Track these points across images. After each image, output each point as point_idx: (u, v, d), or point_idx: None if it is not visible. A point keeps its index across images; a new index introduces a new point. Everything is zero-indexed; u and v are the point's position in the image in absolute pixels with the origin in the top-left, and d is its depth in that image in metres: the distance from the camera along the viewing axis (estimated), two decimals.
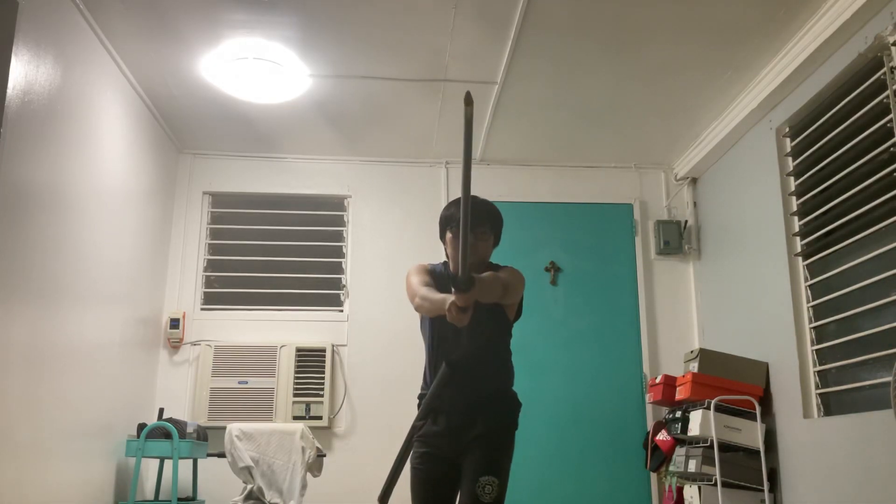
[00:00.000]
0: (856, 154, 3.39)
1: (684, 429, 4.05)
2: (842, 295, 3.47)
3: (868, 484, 3.13)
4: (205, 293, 4.89)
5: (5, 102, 2.77)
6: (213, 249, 4.98)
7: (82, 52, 3.49)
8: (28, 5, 2.92)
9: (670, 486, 4.30)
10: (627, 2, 3.38)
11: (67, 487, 3.45)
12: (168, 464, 4.12)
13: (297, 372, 4.67)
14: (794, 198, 3.88)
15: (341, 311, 4.91)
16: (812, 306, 3.72)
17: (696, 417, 3.93)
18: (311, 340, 4.77)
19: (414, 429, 2.49)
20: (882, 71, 3.16)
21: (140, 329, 4.39)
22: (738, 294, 4.41)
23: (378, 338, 4.81)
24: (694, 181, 5.05)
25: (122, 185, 4.03)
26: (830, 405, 3.58)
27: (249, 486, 4.06)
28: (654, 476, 4.64)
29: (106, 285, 3.84)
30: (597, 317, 4.95)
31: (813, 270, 3.74)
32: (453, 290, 2.20)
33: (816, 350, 3.65)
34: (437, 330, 2.54)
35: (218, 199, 5.06)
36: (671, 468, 4.25)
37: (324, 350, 4.73)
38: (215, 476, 4.32)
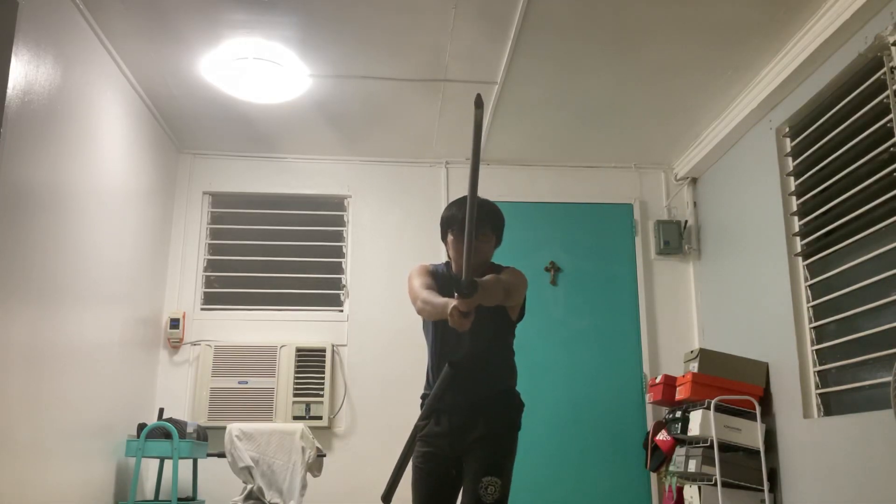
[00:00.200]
0: (856, 154, 3.39)
1: (684, 429, 4.05)
2: (842, 295, 3.47)
3: (868, 484, 3.13)
4: (205, 293, 4.89)
5: (5, 102, 2.76)
6: (213, 249, 4.98)
7: (82, 52, 3.49)
8: (28, 5, 2.91)
9: (670, 486, 4.30)
10: (628, 2, 3.38)
11: (67, 487, 3.45)
12: (168, 464, 4.12)
13: (297, 372, 4.67)
14: (794, 198, 3.88)
15: (341, 311, 4.91)
16: (812, 306, 3.72)
17: (696, 417, 3.93)
18: (311, 340, 4.77)
19: (416, 429, 2.49)
20: (882, 71, 3.16)
21: (140, 329, 4.39)
22: (738, 294, 4.41)
23: (378, 338, 4.82)
24: (694, 181, 5.05)
25: (121, 185, 4.03)
26: (830, 405, 3.58)
27: (249, 486, 4.06)
28: (654, 476, 4.64)
29: (106, 285, 3.83)
30: (597, 317, 4.95)
31: (813, 270, 3.74)
32: (456, 294, 2.19)
33: (816, 350, 3.65)
34: (439, 331, 2.54)
35: (218, 199, 5.06)
36: (671, 468, 4.25)
37: (324, 350, 4.73)
38: (215, 476, 4.32)
